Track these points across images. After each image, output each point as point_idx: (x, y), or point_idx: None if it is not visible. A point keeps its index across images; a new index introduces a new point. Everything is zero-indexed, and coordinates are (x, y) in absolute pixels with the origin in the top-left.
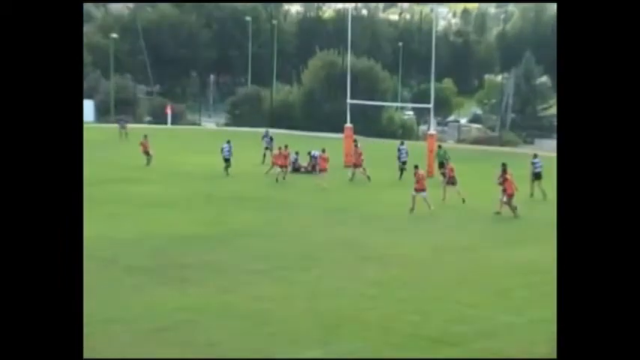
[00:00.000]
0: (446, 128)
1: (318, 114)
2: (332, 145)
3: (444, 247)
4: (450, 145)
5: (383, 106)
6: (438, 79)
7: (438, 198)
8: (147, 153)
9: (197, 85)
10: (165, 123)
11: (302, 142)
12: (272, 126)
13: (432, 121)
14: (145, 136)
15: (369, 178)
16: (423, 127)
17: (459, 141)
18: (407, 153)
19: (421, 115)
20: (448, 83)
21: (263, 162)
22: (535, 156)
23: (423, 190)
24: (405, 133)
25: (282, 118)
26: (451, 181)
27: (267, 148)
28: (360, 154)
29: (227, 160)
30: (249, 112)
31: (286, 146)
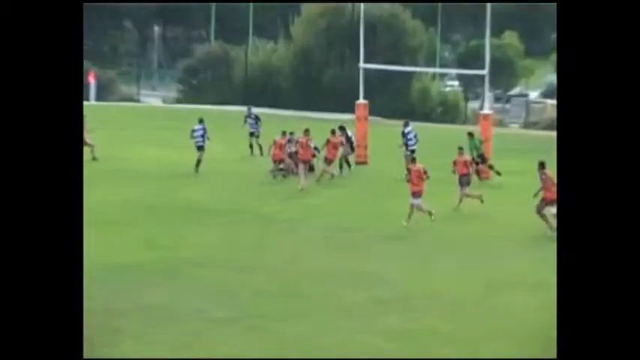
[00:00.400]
0: (508, 106)
1: (316, 84)
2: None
3: (493, 282)
4: (514, 130)
5: (413, 73)
6: (496, 33)
7: (474, 207)
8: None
9: (134, 42)
10: (87, 98)
11: (292, 127)
12: (247, 102)
13: (487, 94)
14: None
15: (332, 175)
16: (473, 105)
17: (528, 125)
18: (416, 138)
19: (471, 86)
20: (511, 38)
21: (252, 153)
22: None
23: (418, 194)
24: (446, 112)
25: (263, 90)
26: (465, 180)
27: (252, 134)
28: (335, 146)
29: (200, 149)
30: (212, 82)
31: (284, 133)
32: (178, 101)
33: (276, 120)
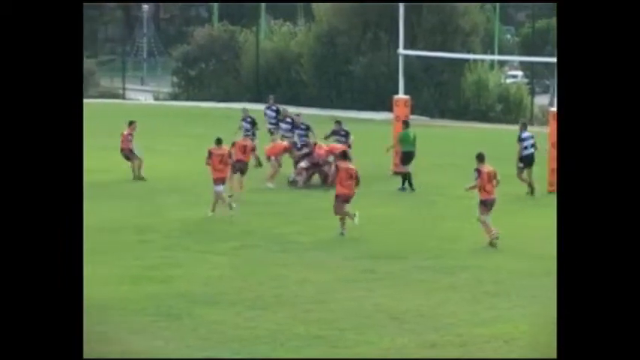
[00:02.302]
0: None
1: (344, 76)
2: (370, 132)
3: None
4: None
5: (466, 62)
6: None
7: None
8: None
9: (119, 24)
10: None
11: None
12: (258, 98)
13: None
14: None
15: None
16: (541, 100)
17: None
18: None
19: (539, 77)
20: None
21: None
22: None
23: (221, 180)
24: (508, 109)
25: (278, 83)
26: (238, 166)
27: (270, 132)
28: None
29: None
30: (215, 74)
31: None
32: (173, 97)
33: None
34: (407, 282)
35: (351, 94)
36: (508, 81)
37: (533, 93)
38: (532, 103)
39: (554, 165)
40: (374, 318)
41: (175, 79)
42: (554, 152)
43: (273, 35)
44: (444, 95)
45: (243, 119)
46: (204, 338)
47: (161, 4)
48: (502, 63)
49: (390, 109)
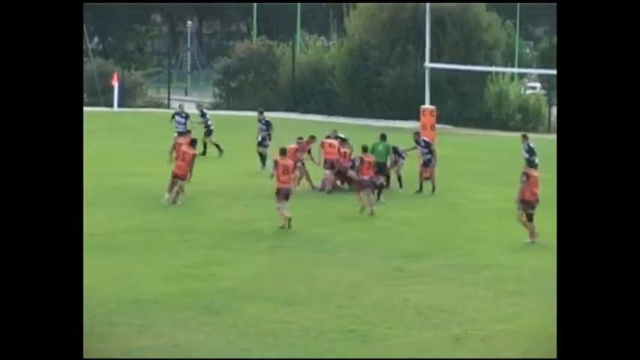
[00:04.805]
0: None
1: (375, 87)
2: (399, 139)
3: None
4: None
5: (488, 74)
6: None
7: None
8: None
9: (164, 39)
10: (110, 104)
11: (347, 136)
12: (294, 107)
13: None
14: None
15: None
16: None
17: None
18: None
19: (555, 89)
20: None
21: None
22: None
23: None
24: (527, 119)
25: (312, 94)
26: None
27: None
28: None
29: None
30: (254, 85)
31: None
32: (215, 107)
33: (329, 128)
34: (434, 279)
35: (380, 104)
36: (527, 92)
37: (550, 103)
38: (549, 113)
39: None
40: (402, 313)
41: (217, 90)
42: None
43: (308, 49)
44: (468, 105)
45: (178, 114)
46: (242, 333)
47: (203, 20)
48: (522, 75)
49: (417, 118)
